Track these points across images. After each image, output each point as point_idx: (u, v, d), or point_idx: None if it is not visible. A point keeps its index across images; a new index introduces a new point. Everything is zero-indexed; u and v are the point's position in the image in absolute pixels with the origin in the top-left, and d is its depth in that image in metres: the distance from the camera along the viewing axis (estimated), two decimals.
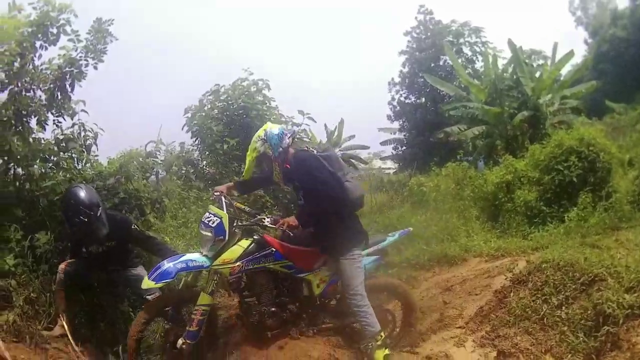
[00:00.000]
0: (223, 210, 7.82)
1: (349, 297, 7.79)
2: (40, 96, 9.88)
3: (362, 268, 7.93)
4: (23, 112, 9.65)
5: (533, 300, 7.72)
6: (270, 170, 8.16)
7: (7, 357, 6.34)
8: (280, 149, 7.93)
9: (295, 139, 9.09)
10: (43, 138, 10.06)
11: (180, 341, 7.65)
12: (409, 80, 41.72)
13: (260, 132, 8.05)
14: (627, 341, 6.30)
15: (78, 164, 10.02)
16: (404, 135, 42.14)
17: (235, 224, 7.85)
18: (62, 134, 10.07)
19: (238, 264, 7.66)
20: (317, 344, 7.63)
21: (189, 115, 15.03)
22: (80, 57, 9.99)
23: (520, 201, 15.02)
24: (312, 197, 7.86)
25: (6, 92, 9.59)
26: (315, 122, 16.21)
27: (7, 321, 7.67)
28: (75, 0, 9.79)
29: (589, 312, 6.87)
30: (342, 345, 7.95)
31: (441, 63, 39.80)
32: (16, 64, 9.45)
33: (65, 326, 7.50)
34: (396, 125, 42.82)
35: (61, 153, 9.77)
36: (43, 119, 9.89)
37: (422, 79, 38.75)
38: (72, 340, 7.36)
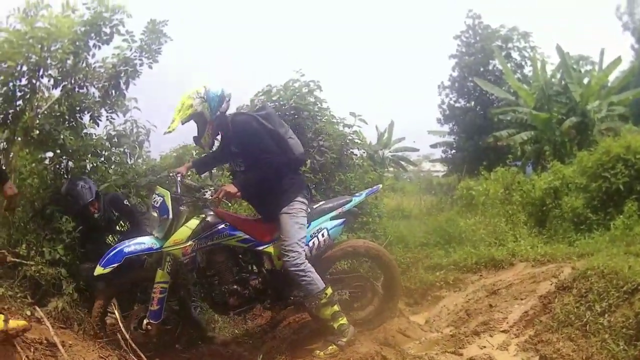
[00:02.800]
0: (177, 189, 7.74)
1: (284, 254, 7.51)
2: (93, 93, 10.12)
3: (303, 224, 7.69)
4: (76, 107, 9.92)
5: (577, 307, 7.62)
6: (201, 132, 7.80)
7: (56, 342, 6.46)
8: (218, 112, 7.68)
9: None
10: (95, 133, 10.29)
11: (145, 322, 7.63)
12: (458, 84, 41.57)
13: (199, 89, 7.69)
14: None
15: (130, 159, 10.17)
16: (454, 139, 42.11)
17: (181, 202, 7.63)
18: (114, 130, 10.28)
19: (189, 243, 7.47)
20: (365, 341, 7.60)
21: None
22: (135, 56, 10.17)
23: (568, 207, 14.99)
24: (256, 163, 7.62)
25: (59, 88, 9.82)
26: (367, 124, 16.01)
27: (56, 308, 7.86)
28: (130, 1, 9.97)
29: (630, 320, 6.81)
30: (390, 343, 7.86)
31: (490, 67, 39.52)
32: (69, 62, 9.68)
33: (117, 314, 7.59)
34: (446, 128, 42.76)
35: (113, 148, 9.97)
36: (96, 115, 10.14)
37: (471, 83, 38.73)
38: (122, 328, 7.40)
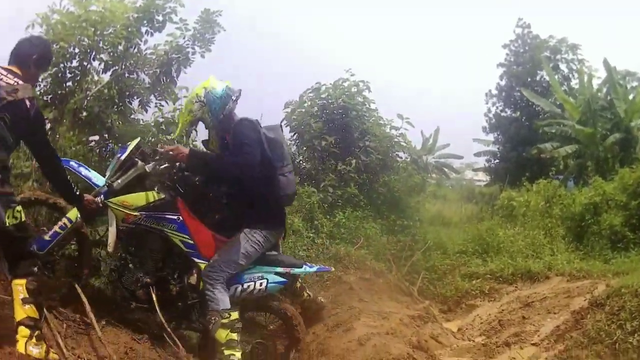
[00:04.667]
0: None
1: (208, 264, 7.16)
2: (143, 79, 10.28)
3: (249, 254, 7.25)
4: (126, 92, 10.07)
5: (608, 324, 7.52)
6: (209, 136, 7.66)
7: (92, 321, 6.41)
8: (221, 115, 7.26)
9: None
10: (142, 119, 10.44)
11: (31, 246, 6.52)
12: (505, 93, 40.71)
13: (199, 91, 7.31)
14: None
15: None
16: (498, 148, 41.38)
17: (147, 159, 7.20)
18: (162, 117, 10.41)
19: (136, 213, 7.07)
20: (398, 344, 7.56)
21: (289, 110, 15.03)
22: (187, 45, 10.31)
23: (606, 224, 14.92)
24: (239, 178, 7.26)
25: (109, 72, 9.96)
26: (414, 127, 16.38)
27: (92, 287, 7.92)
28: None
29: None
30: (422, 347, 7.84)
31: (538, 78, 38.81)
32: (121, 47, 9.83)
33: (153, 296, 7.16)
34: (491, 137, 42.03)
35: (160, 135, 10.02)
36: (145, 101, 10.32)
37: (518, 93, 38.13)
38: (158, 311, 7.06)
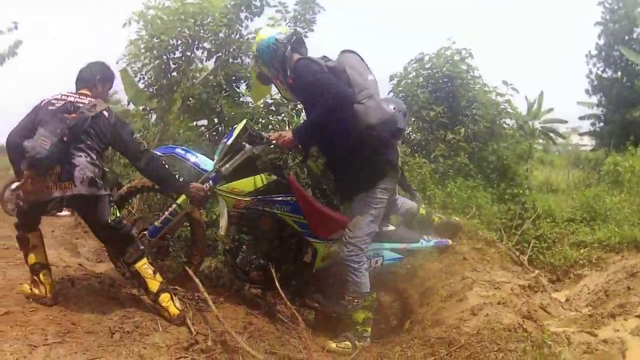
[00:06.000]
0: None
1: (345, 244, 6.92)
2: (249, 63, 10.50)
3: (377, 216, 6.98)
4: (232, 77, 10.42)
5: None
6: (280, 90, 7.42)
7: (206, 297, 6.55)
8: (276, 62, 6.93)
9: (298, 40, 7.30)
10: (251, 102, 10.75)
11: (142, 232, 7.26)
12: (605, 52, 39.72)
13: (253, 47, 7.19)
14: None
15: (288, 127, 10.28)
16: (601, 111, 40.51)
17: (255, 142, 6.99)
18: (270, 98, 10.58)
19: (247, 199, 6.98)
20: (509, 313, 7.62)
21: (394, 82, 14.94)
22: (289, 27, 10.32)
23: None
24: (312, 107, 6.84)
25: (213, 59, 10.36)
26: (518, 92, 16.05)
27: (210, 267, 8.26)
28: None
29: None
30: (531, 317, 7.79)
31: (635, 36, 37.87)
32: (222, 34, 10.13)
33: (274, 275, 7.07)
34: (594, 100, 41.17)
35: (270, 116, 10.24)
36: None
37: (617, 52, 37.40)
38: (280, 291, 6.95)
